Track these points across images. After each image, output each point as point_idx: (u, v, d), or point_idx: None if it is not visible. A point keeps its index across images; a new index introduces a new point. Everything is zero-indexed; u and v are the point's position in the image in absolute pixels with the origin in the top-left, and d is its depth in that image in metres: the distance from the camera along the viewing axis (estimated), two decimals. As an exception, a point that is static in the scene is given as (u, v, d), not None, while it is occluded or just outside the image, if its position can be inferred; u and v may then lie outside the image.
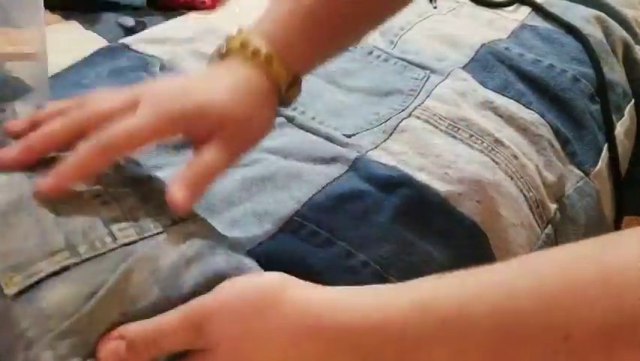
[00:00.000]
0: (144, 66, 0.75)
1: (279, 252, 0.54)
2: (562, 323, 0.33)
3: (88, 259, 0.39)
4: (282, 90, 0.50)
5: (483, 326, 0.34)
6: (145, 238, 0.41)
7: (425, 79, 0.78)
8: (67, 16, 0.83)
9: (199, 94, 0.47)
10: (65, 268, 0.38)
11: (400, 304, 0.36)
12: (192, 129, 0.46)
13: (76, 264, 0.38)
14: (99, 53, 0.77)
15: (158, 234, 0.41)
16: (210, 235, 0.44)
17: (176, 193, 0.42)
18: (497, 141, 0.71)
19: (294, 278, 0.39)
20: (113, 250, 0.40)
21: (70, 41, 0.79)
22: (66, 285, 0.37)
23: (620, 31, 0.95)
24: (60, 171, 0.42)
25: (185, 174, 0.44)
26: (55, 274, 0.38)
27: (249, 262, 0.44)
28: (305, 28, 0.52)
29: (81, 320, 0.37)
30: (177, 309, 0.38)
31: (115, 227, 0.41)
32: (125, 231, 0.41)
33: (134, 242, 0.40)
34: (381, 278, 0.54)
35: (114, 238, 0.40)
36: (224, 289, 0.39)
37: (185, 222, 0.43)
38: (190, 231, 0.43)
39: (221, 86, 0.48)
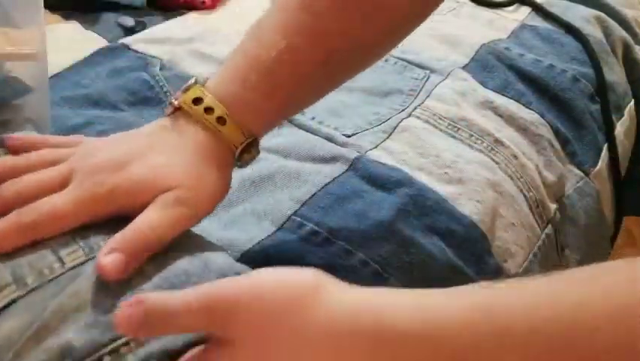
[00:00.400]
0: (144, 66, 0.75)
1: (277, 251, 0.54)
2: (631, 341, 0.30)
3: (34, 289, 0.38)
4: (237, 153, 0.47)
5: (550, 335, 0.31)
6: (94, 257, 0.40)
7: (425, 79, 0.78)
8: (67, 16, 0.83)
9: (138, 166, 0.44)
10: (13, 301, 0.38)
11: (457, 307, 0.33)
12: (127, 207, 0.43)
13: (22, 296, 0.38)
14: (99, 53, 0.77)
15: None
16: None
17: (103, 258, 0.39)
18: (497, 141, 0.71)
19: (332, 278, 0.36)
20: (62, 274, 0.39)
21: (70, 41, 0.79)
22: (14, 317, 0.37)
23: (619, 31, 0.95)
24: None
25: (117, 239, 0.40)
26: (4, 308, 0.37)
27: (220, 258, 0.43)
28: (264, 87, 0.48)
29: (27, 345, 0.36)
30: (203, 288, 0.36)
31: (64, 252, 0.40)
32: (73, 254, 0.40)
33: (83, 263, 0.40)
34: (380, 278, 0.54)
35: (62, 263, 0.40)
36: (257, 280, 0.36)
37: None
38: None
39: (166, 148, 0.45)
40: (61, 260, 0.40)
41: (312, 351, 0.34)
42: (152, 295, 0.37)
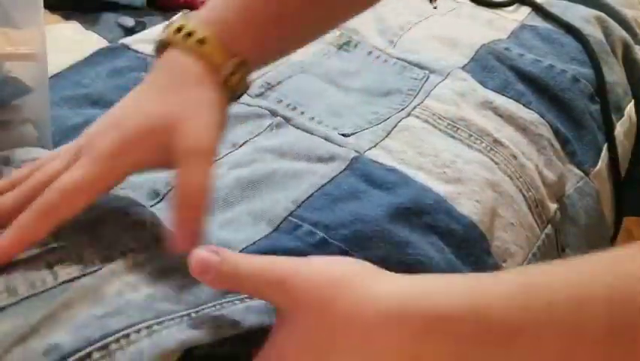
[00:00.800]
0: (144, 66, 0.75)
1: (273, 252, 0.54)
2: None
3: (26, 298, 0.38)
4: (224, 75, 0.46)
5: (597, 312, 0.32)
6: (87, 273, 0.40)
7: (425, 79, 0.78)
8: (67, 16, 0.83)
9: (134, 117, 0.44)
10: (2, 308, 0.38)
11: (500, 286, 0.34)
12: (143, 159, 0.44)
13: (13, 303, 0.38)
14: (99, 53, 0.77)
15: (101, 269, 0.41)
16: (163, 259, 0.43)
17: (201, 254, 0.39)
18: (496, 141, 0.71)
19: (371, 265, 0.38)
20: (54, 287, 0.39)
21: (70, 41, 0.79)
22: (3, 322, 0.37)
23: (619, 31, 0.95)
24: (1, 246, 0.40)
25: (179, 201, 0.42)
26: None
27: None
28: (247, 9, 0.48)
29: (12, 345, 0.36)
30: (267, 260, 0.38)
31: (58, 267, 0.40)
32: (67, 269, 0.40)
33: (78, 278, 0.40)
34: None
35: (55, 277, 0.40)
36: (310, 260, 0.38)
37: (134, 252, 0.43)
38: (138, 261, 0.43)
39: (158, 89, 0.45)
40: (54, 274, 0.40)
41: (362, 323, 0.34)
42: (228, 251, 0.38)
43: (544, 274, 0.35)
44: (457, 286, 0.35)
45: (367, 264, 0.38)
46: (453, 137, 0.70)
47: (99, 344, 0.36)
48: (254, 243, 0.54)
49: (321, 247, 0.55)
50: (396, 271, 0.55)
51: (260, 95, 0.72)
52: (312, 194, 0.59)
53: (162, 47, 0.48)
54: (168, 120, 0.44)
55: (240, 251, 0.53)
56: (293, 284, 0.36)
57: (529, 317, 0.33)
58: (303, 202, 0.58)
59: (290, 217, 0.56)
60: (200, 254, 0.38)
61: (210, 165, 0.44)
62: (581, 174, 0.79)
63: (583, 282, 0.33)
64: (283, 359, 0.36)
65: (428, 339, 0.34)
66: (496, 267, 0.61)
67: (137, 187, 0.54)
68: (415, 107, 0.73)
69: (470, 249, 0.61)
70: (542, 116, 0.77)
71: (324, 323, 0.35)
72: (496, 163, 0.69)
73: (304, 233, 0.55)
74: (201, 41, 0.46)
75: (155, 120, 0.44)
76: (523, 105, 0.78)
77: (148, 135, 0.44)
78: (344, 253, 0.55)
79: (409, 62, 0.81)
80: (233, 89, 0.48)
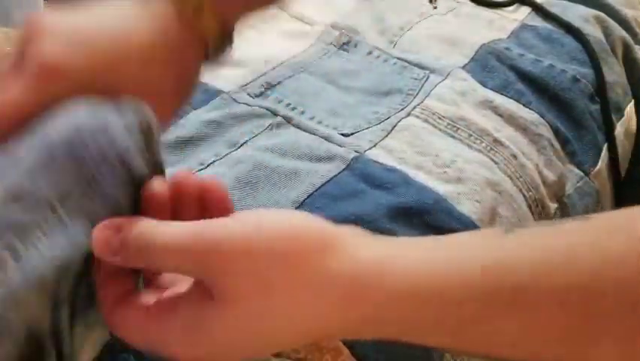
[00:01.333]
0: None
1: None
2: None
3: None
4: (211, 45, 0.41)
5: (560, 293, 0.30)
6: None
7: (425, 79, 0.78)
8: (67, 17, 0.83)
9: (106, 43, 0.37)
10: None
11: (465, 267, 0.32)
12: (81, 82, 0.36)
13: None
14: (99, 53, 0.77)
15: None
16: None
17: None
18: (496, 141, 0.71)
19: (329, 225, 0.33)
20: None
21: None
22: None
23: (619, 31, 0.95)
24: None
25: None
26: None
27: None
28: None
29: None
30: (198, 226, 0.32)
31: None
32: None
33: None
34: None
35: None
36: (248, 228, 0.32)
37: None
38: None
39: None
40: None
41: (312, 308, 0.31)
42: (139, 223, 0.33)
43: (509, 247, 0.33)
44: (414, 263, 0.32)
45: (324, 231, 0.33)
46: (453, 136, 0.70)
47: None
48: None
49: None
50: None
51: (260, 95, 0.72)
52: (312, 194, 0.59)
53: None
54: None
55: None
56: (222, 279, 0.31)
57: (491, 302, 0.31)
58: (303, 202, 0.58)
59: (290, 217, 0.56)
60: (100, 233, 0.33)
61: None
62: (581, 174, 0.79)
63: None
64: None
65: (381, 320, 0.32)
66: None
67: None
68: (415, 107, 0.73)
69: (470, 249, 0.61)
70: (542, 116, 0.77)
71: (266, 303, 0.31)
72: (496, 163, 0.69)
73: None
74: (197, 9, 0.40)
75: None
76: (524, 105, 0.78)
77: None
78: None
79: (409, 62, 0.81)
80: (206, 35, 0.41)
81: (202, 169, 0.61)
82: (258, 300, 0.31)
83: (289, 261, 0.31)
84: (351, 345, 0.48)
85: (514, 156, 0.71)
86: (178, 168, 0.55)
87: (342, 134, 0.67)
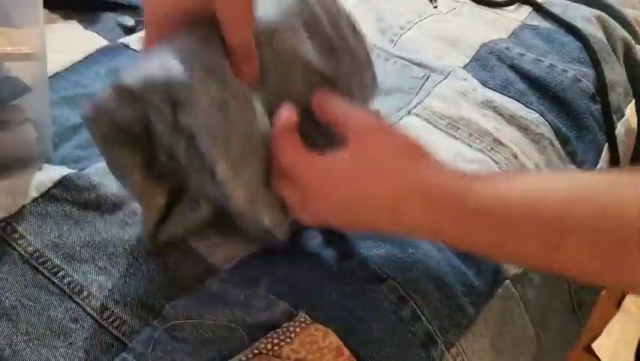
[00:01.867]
0: (144, 66, 0.75)
1: (273, 250, 0.54)
2: None
3: None
4: None
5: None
6: None
7: (425, 78, 0.78)
8: (66, 16, 0.83)
9: None
10: None
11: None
12: None
13: None
14: (99, 53, 0.77)
15: None
16: None
17: None
18: (496, 141, 0.71)
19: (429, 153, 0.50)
20: None
21: (70, 41, 0.79)
22: None
23: (620, 30, 0.95)
24: None
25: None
26: None
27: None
28: None
29: None
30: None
31: None
32: None
33: None
34: (379, 278, 0.53)
35: None
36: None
37: None
38: None
39: None
40: None
41: (396, 187, 0.48)
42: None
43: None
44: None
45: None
46: (453, 136, 0.70)
47: None
48: (254, 243, 0.54)
49: (322, 248, 0.55)
50: (398, 271, 0.55)
51: (260, 94, 0.72)
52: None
53: None
54: None
55: (241, 250, 0.53)
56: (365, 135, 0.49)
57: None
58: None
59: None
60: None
61: None
62: (582, 173, 0.79)
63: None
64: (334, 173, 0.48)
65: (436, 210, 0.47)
66: (495, 267, 0.61)
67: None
68: (415, 106, 0.73)
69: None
70: (543, 116, 0.77)
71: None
72: (497, 163, 0.69)
73: (304, 237, 0.55)
74: None
75: None
76: (524, 105, 0.77)
77: None
78: (344, 253, 0.55)
79: (410, 61, 0.81)
80: None
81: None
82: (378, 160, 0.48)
83: (403, 148, 0.51)
84: (352, 345, 0.48)
85: (515, 156, 0.71)
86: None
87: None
